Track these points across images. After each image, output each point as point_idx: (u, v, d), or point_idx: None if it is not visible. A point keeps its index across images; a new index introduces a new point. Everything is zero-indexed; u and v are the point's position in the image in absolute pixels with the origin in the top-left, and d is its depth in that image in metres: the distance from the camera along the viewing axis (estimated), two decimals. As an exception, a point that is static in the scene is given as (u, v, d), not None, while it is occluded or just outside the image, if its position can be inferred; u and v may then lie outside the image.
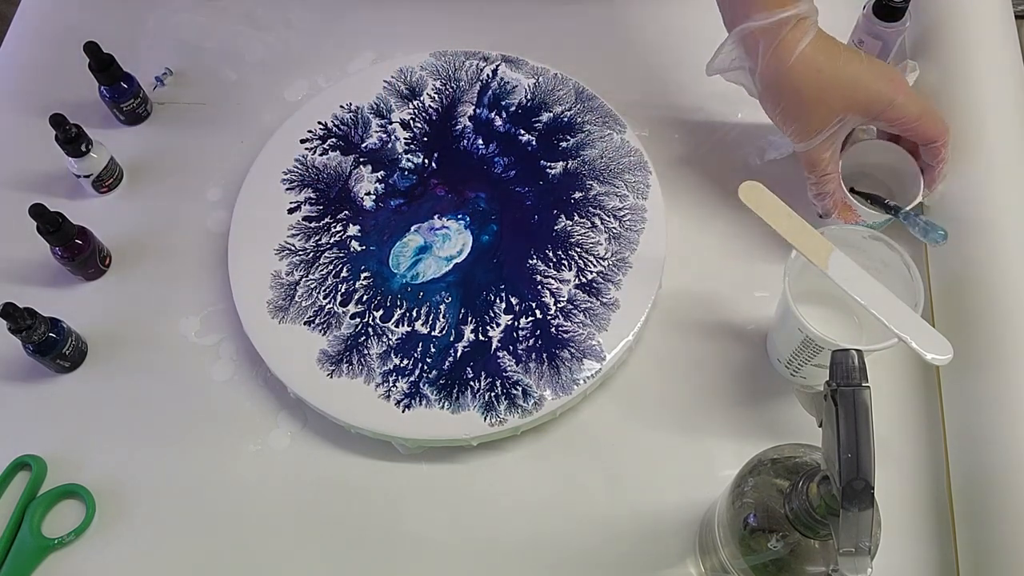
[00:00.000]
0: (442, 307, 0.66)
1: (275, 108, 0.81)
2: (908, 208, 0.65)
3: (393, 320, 0.66)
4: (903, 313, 0.55)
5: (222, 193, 0.77)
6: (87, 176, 0.75)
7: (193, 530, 0.63)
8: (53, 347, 0.66)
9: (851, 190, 0.68)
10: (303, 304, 0.67)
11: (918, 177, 0.65)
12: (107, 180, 0.76)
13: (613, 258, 0.68)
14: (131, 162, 0.78)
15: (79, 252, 0.70)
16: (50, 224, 0.67)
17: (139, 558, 0.62)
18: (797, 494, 0.44)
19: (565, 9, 0.85)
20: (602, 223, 0.69)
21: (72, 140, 0.72)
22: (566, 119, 0.74)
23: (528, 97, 0.76)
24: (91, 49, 0.75)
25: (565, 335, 0.65)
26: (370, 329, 0.66)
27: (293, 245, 0.69)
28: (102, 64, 0.76)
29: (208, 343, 0.70)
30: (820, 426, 0.43)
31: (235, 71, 0.84)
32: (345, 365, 0.64)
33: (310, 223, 0.70)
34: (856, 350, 0.42)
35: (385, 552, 0.62)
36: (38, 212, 0.67)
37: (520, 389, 0.63)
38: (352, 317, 0.66)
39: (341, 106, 0.75)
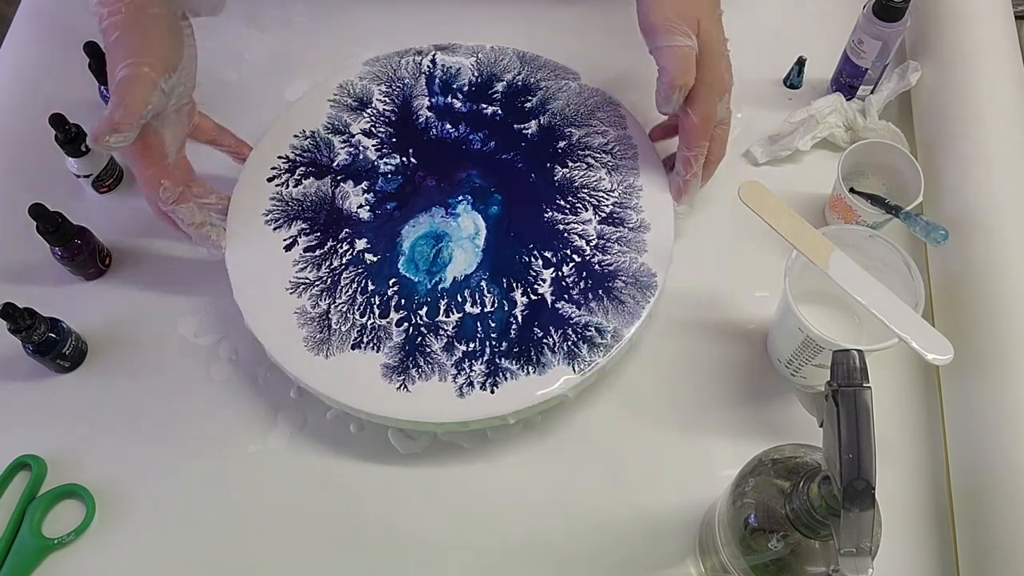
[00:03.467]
0: (483, 284, 0.66)
1: (275, 108, 0.81)
2: (908, 208, 0.65)
3: (441, 312, 0.65)
4: (903, 313, 0.55)
5: (222, 193, 0.76)
6: (87, 176, 0.75)
7: (193, 530, 0.63)
8: (53, 347, 0.65)
9: (851, 190, 0.68)
10: (342, 330, 0.65)
11: (919, 176, 0.65)
12: (107, 180, 0.76)
13: (620, 187, 0.70)
14: (131, 162, 0.78)
15: (79, 252, 0.70)
16: (50, 224, 0.67)
17: (139, 558, 0.62)
18: (798, 494, 0.44)
19: (566, 9, 0.85)
20: (596, 160, 0.71)
21: (72, 140, 0.72)
22: (520, 83, 0.76)
23: (476, 74, 0.77)
24: (91, 49, 0.75)
25: (610, 267, 0.66)
26: (423, 328, 0.65)
27: (306, 278, 0.67)
28: (102, 64, 0.76)
29: (207, 343, 0.70)
30: (820, 426, 0.43)
31: (235, 71, 0.84)
32: (413, 370, 0.63)
33: (313, 252, 0.68)
34: (857, 350, 0.42)
35: (384, 552, 0.62)
36: (38, 212, 0.67)
37: (593, 329, 0.64)
38: (399, 324, 0.65)
39: (295, 135, 0.73)
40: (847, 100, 0.75)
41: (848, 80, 0.76)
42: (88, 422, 0.67)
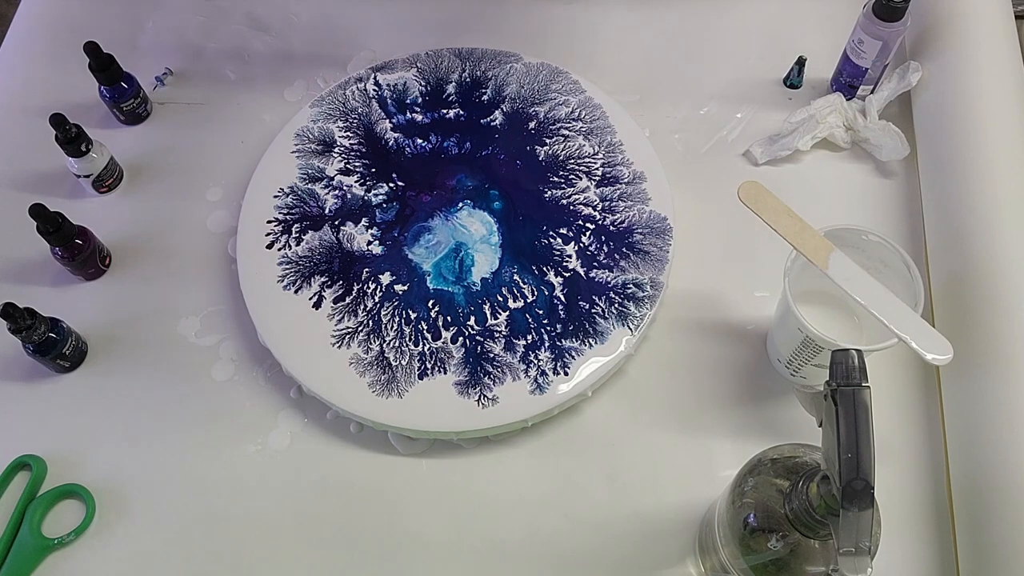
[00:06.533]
0: (516, 278, 0.67)
1: (275, 108, 0.81)
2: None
3: (489, 316, 0.66)
4: (903, 313, 0.55)
5: (222, 193, 0.77)
6: (87, 176, 0.75)
7: (193, 530, 0.63)
8: (53, 347, 0.66)
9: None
10: (403, 364, 0.65)
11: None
12: (107, 180, 0.76)
13: (602, 148, 0.72)
14: (131, 162, 0.78)
15: (79, 252, 0.70)
16: (50, 224, 0.67)
17: (139, 558, 0.62)
18: (797, 494, 0.44)
19: (566, 9, 0.85)
20: (570, 130, 0.73)
21: (72, 140, 0.72)
22: (468, 80, 0.77)
23: (423, 84, 0.77)
24: (91, 49, 0.75)
25: (623, 225, 0.69)
26: (478, 336, 0.65)
27: (348, 328, 0.66)
28: (102, 64, 0.76)
29: (208, 343, 0.70)
30: (820, 426, 0.43)
31: (235, 71, 0.84)
32: (486, 378, 0.64)
33: (344, 301, 0.68)
34: (856, 350, 0.42)
35: (385, 551, 0.62)
36: (38, 212, 0.67)
37: (632, 286, 0.66)
38: (454, 340, 0.65)
39: (275, 195, 0.73)
40: (847, 100, 0.75)
41: (848, 80, 0.75)
42: (88, 422, 0.67)
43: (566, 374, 0.64)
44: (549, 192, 0.71)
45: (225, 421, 0.66)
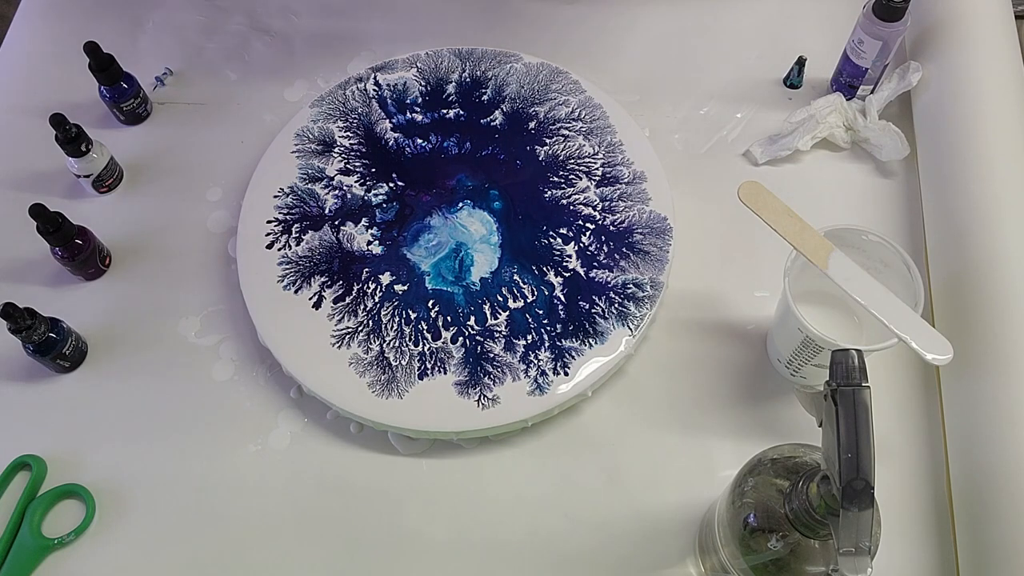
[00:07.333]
0: (516, 278, 0.67)
1: (275, 108, 0.81)
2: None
3: (489, 316, 0.66)
4: (903, 313, 0.55)
5: (222, 193, 0.77)
6: (87, 176, 0.75)
7: (193, 530, 0.63)
8: (53, 347, 0.66)
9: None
10: (403, 364, 0.65)
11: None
12: (107, 180, 0.76)
13: (602, 148, 0.72)
14: (131, 162, 0.78)
15: (79, 252, 0.70)
16: (50, 224, 0.67)
17: (139, 558, 0.62)
18: (797, 494, 0.44)
19: (566, 9, 0.85)
20: (570, 130, 0.73)
21: (72, 140, 0.72)
22: (468, 80, 0.77)
23: (423, 84, 0.77)
24: (91, 49, 0.75)
25: (623, 225, 0.69)
26: (478, 336, 0.65)
27: (348, 328, 0.66)
28: (102, 64, 0.76)
29: (208, 343, 0.70)
30: (820, 426, 0.43)
31: (235, 71, 0.84)
32: (486, 379, 0.64)
33: (344, 301, 0.67)
34: (856, 350, 0.42)
35: (385, 551, 0.62)
36: (38, 212, 0.67)
37: (632, 286, 0.66)
38: (454, 340, 0.65)
39: (275, 195, 0.73)
40: (847, 100, 0.75)
41: (848, 80, 0.75)
42: (88, 422, 0.67)
43: (566, 374, 0.64)
44: (549, 192, 0.71)
45: (225, 421, 0.66)
